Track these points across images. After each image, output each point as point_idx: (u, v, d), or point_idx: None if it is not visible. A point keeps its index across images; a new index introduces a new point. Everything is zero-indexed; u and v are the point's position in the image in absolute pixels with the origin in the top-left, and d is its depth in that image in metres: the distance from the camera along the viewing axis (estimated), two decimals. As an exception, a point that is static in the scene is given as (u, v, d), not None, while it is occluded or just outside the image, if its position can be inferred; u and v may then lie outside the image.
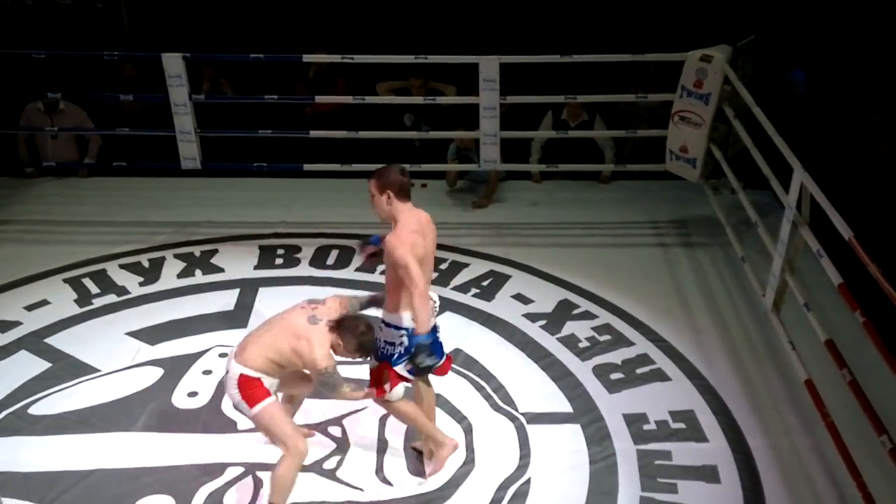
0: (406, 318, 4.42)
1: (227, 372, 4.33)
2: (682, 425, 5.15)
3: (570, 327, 6.03)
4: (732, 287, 6.50)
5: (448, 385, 5.43)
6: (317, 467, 4.86)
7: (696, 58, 6.78)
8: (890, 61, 7.18)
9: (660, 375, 5.53)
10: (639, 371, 5.59)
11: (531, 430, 5.12)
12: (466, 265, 6.76)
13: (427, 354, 4.36)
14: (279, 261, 6.87)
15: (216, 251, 6.97)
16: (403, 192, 4.45)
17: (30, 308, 6.22)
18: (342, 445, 5.01)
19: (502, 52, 6.97)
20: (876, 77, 7.39)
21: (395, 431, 5.10)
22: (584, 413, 5.25)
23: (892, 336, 4.41)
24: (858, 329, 4.60)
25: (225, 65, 8.12)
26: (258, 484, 4.75)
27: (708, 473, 4.81)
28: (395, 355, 4.49)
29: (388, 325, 4.53)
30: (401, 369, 4.51)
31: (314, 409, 5.25)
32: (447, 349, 5.69)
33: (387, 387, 4.55)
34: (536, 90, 7.30)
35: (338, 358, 4.38)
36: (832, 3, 7.67)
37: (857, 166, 7.04)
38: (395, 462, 4.91)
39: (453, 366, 5.59)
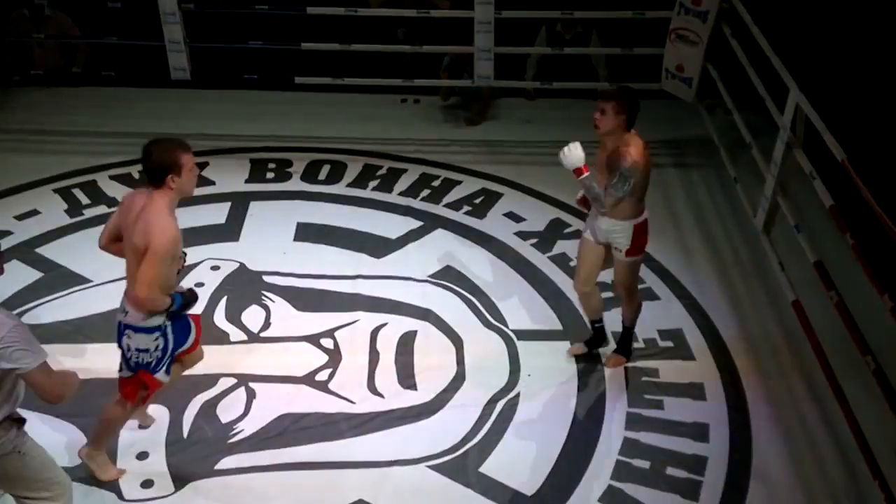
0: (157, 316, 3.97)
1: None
2: (669, 343, 5.22)
3: (561, 246, 6.05)
4: (724, 208, 6.52)
5: (439, 302, 5.49)
6: (309, 380, 4.92)
7: (696, -26, 6.67)
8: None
9: (649, 294, 5.57)
10: (628, 289, 5.63)
11: (521, 346, 5.19)
12: (459, 182, 6.74)
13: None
14: (270, 175, 6.84)
15: (207, 164, 6.89)
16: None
17: (20, 218, 6.20)
18: (334, 358, 5.07)
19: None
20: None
21: (387, 344, 5.16)
22: (574, 331, 5.30)
23: (880, 258, 4.45)
24: (847, 251, 4.64)
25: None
26: (251, 394, 4.81)
27: (694, 391, 4.90)
28: (153, 362, 4.05)
29: (137, 329, 3.99)
30: (161, 375, 4.10)
31: (306, 322, 5.31)
32: (439, 265, 5.79)
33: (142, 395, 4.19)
34: (532, 5, 7.19)
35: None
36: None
37: (855, 86, 6.99)
38: (386, 375, 4.97)
39: (445, 282, 5.65)
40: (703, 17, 6.70)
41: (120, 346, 4.08)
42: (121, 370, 4.13)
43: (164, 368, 4.10)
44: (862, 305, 4.66)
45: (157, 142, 3.89)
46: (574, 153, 4.38)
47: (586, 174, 4.41)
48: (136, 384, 4.12)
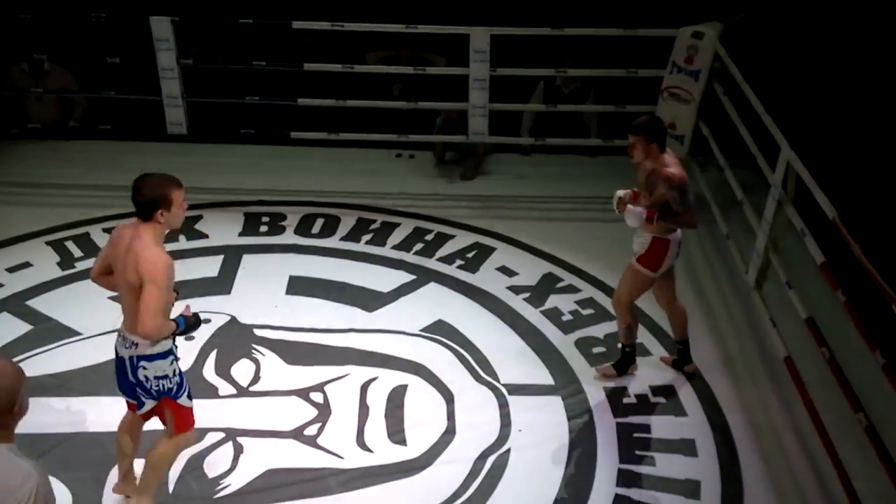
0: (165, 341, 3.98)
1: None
2: (661, 399, 5.19)
3: (553, 300, 6.05)
4: (716, 264, 6.53)
5: (431, 356, 5.46)
6: (297, 434, 4.87)
7: (688, 34, 6.77)
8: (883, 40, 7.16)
9: (641, 350, 5.54)
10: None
11: (512, 401, 5.15)
12: (452, 237, 6.76)
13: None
14: (264, 228, 6.85)
15: (201, 217, 6.93)
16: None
17: (12, 270, 6.19)
18: (323, 412, 5.02)
19: (493, 24, 6.93)
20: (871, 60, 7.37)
21: (377, 399, 5.12)
22: (566, 386, 5.28)
23: (871, 315, 4.44)
24: (839, 308, 4.63)
25: (214, 30, 8.03)
26: (238, 449, 4.76)
27: (686, 447, 4.85)
28: (174, 388, 4.05)
29: (151, 358, 3.97)
30: (185, 400, 4.10)
31: (296, 376, 5.27)
32: (431, 319, 5.77)
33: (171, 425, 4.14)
34: (527, 63, 7.27)
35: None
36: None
37: (845, 145, 7.04)
38: (376, 429, 4.92)
39: (437, 336, 5.63)
40: (695, 75, 6.80)
41: (135, 381, 3.99)
42: (141, 407, 4.09)
43: (185, 392, 4.10)
44: (854, 362, 4.65)
45: (147, 176, 3.93)
46: (635, 213, 4.84)
47: (655, 216, 4.82)
48: (162, 410, 4.11)
